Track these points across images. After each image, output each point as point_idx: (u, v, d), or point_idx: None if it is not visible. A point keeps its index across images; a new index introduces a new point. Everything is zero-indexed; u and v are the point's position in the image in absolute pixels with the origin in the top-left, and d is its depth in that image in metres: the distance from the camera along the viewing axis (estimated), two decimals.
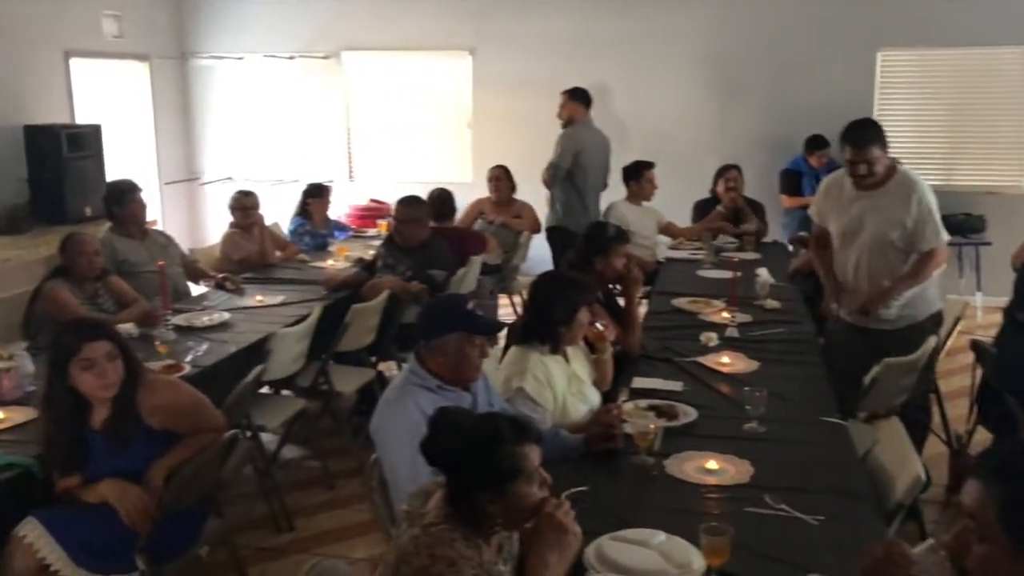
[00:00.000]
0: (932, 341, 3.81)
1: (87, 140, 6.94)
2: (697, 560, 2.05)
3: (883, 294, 3.83)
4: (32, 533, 2.58)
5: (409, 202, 5.03)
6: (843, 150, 3.80)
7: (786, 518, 2.34)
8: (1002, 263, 4.63)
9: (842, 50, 7.55)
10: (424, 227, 5.01)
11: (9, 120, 6.69)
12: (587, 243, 3.92)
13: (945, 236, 3.84)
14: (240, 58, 8.63)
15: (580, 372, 3.18)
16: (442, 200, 5.82)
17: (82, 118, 7.41)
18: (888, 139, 3.83)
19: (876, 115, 7.42)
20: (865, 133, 3.74)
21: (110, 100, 8.04)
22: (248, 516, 3.96)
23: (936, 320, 4.01)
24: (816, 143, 7.12)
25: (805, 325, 4.29)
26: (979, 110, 7.58)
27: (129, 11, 8.02)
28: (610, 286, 4.08)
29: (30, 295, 4.18)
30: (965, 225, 7.20)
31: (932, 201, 3.80)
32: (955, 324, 4.31)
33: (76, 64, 7.47)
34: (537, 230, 6.58)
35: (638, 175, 6.08)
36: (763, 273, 4.74)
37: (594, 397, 3.15)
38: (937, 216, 3.80)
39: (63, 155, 6.64)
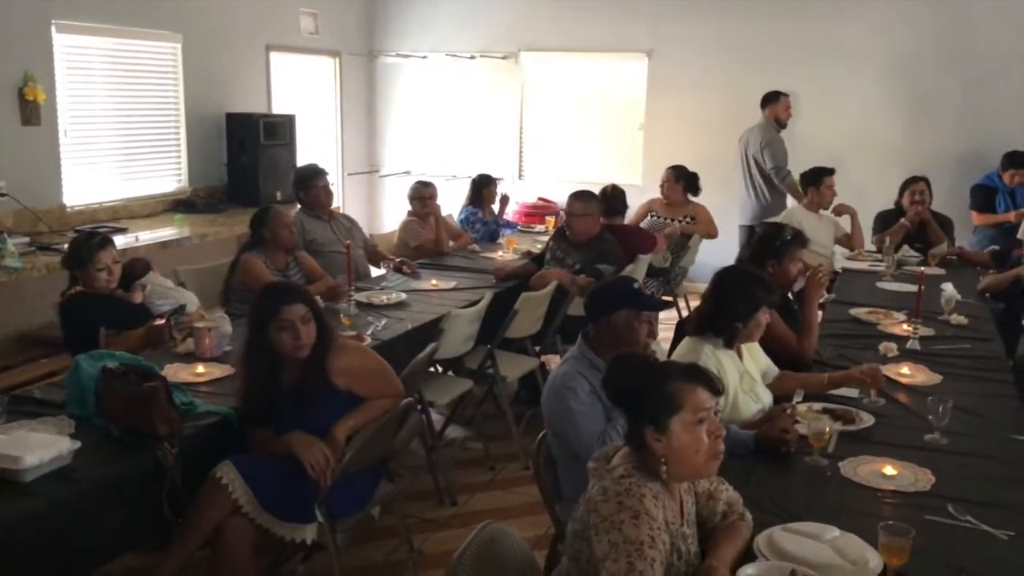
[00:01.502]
0: None
1: (282, 129, 7.41)
2: (874, 558, 1.99)
3: None
4: (228, 475, 2.79)
5: (581, 196, 5.09)
6: None
7: (971, 529, 2.23)
8: None
9: None
10: (595, 221, 5.06)
11: (214, 108, 7.24)
12: (762, 245, 3.84)
13: None
14: (424, 56, 8.97)
15: (753, 371, 3.13)
16: (614, 196, 5.85)
17: (278, 108, 7.91)
18: None
19: None
20: None
21: (303, 93, 8.54)
22: (414, 488, 4.12)
23: None
24: (1015, 160, 6.68)
25: (994, 343, 4.05)
26: None
27: (324, 9, 8.50)
28: (787, 293, 3.98)
29: (228, 266, 4.52)
30: None
31: None
32: None
33: (275, 58, 7.99)
34: (713, 235, 6.49)
35: (817, 182, 5.91)
36: (948, 288, 4.52)
37: (766, 398, 3.09)
38: None
39: (260, 142, 7.11)
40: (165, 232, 6.09)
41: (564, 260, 5.03)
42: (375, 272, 5.32)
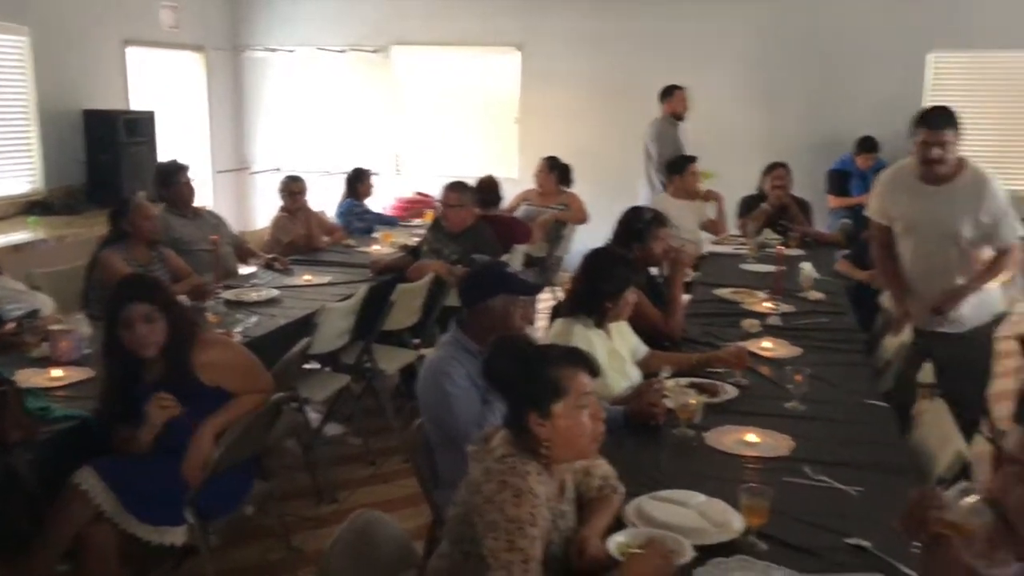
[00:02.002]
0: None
1: (142, 126, 7.13)
2: (736, 520, 2.07)
3: (956, 293, 3.70)
4: (88, 481, 2.66)
5: (456, 187, 5.09)
6: (915, 135, 3.63)
7: (826, 488, 2.36)
8: None
9: (891, 52, 7.51)
10: (470, 212, 5.07)
11: (70, 105, 6.89)
12: (624, 228, 3.94)
13: (1022, 232, 3.70)
14: (292, 51, 8.80)
15: (622, 349, 3.21)
16: (489, 187, 5.88)
17: (141, 105, 7.60)
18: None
19: None
20: (940, 115, 3.61)
21: (168, 89, 8.24)
22: (293, 486, 4.04)
23: (999, 321, 3.91)
24: (866, 145, 7.07)
25: (848, 316, 4.28)
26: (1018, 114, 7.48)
27: (185, 2, 8.22)
28: (652, 272, 4.10)
29: (87, 265, 4.31)
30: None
31: (1004, 196, 3.67)
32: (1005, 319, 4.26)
33: (135, 52, 7.67)
34: (583, 221, 6.62)
35: (681, 169, 6.09)
36: (806, 266, 4.75)
37: (635, 375, 3.18)
38: (1012, 212, 3.66)
39: (120, 140, 6.82)
40: (18, 235, 5.77)
41: (441, 251, 5.03)
42: (245, 270, 5.18)
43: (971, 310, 3.73)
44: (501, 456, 1.94)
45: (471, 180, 5.68)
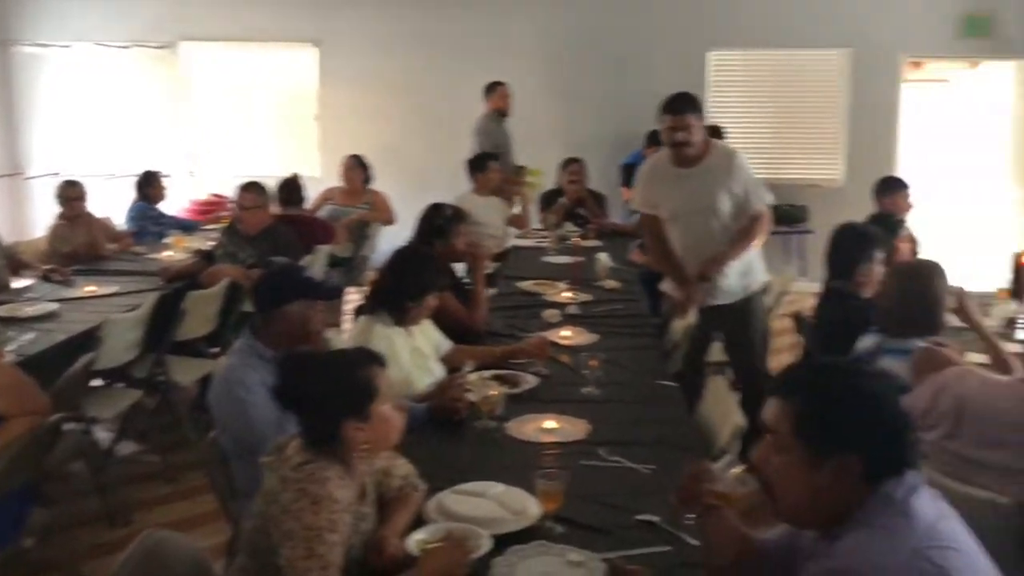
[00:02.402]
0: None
1: None
2: (533, 506, 2.12)
3: (718, 258, 3.90)
4: None
5: (251, 187, 4.92)
6: (662, 122, 3.85)
7: (619, 468, 2.45)
8: (823, 251, 4.97)
9: (674, 50, 7.92)
10: (266, 213, 4.92)
11: None
12: (425, 225, 3.95)
13: (770, 199, 3.97)
14: (68, 46, 8.20)
15: (424, 346, 3.21)
16: (291, 186, 5.73)
17: None
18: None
19: (708, 112, 7.83)
20: (681, 101, 3.82)
21: None
22: (82, 512, 3.77)
23: (765, 290, 4.25)
24: (654, 139, 7.40)
25: (641, 303, 4.49)
26: (802, 109, 8.12)
27: None
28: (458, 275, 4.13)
29: None
30: (790, 216, 7.69)
31: (750, 168, 3.96)
32: (780, 298, 4.60)
33: None
34: (390, 221, 6.57)
35: (483, 166, 6.17)
36: (603, 257, 4.95)
37: (438, 371, 3.18)
38: (759, 181, 3.96)
39: None
40: None
41: (237, 255, 4.84)
42: (19, 283, 4.78)
43: (738, 279, 3.97)
44: (298, 464, 1.90)
45: (271, 180, 5.51)
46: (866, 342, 3.12)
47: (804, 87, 8.09)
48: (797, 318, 4.31)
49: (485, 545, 1.93)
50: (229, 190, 7.60)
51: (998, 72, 8.12)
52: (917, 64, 8.81)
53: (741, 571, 1.75)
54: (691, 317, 4.05)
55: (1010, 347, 3.41)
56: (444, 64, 8.01)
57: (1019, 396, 2.19)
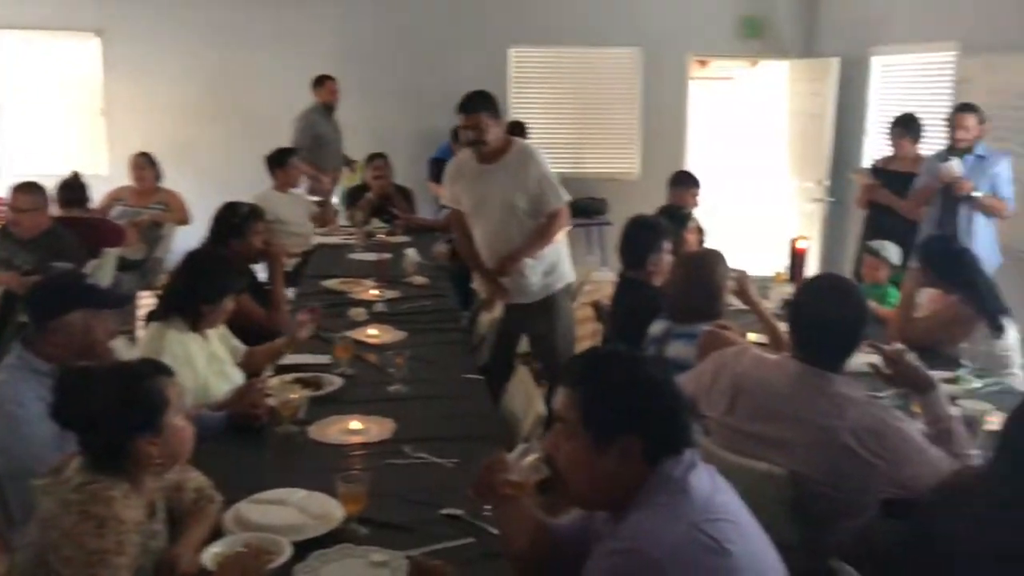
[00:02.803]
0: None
1: None
2: (336, 510, 2.09)
3: (513, 255, 3.98)
4: None
5: (26, 188, 4.55)
6: (458, 120, 3.95)
7: (424, 465, 2.47)
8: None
9: (476, 46, 8.02)
10: (43, 215, 4.57)
11: None
12: (220, 225, 3.82)
13: (567, 197, 4.04)
14: None
15: (220, 351, 3.10)
16: (70, 186, 5.34)
17: None
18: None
19: (510, 107, 8.01)
20: (473, 100, 3.89)
21: None
22: None
23: (571, 290, 4.33)
24: (455, 134, 7.47)
25: (450, 298, 4.52)
26: (600, 105, 8.43)
27: None
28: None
29: None
30: (590, 208, 7.99)
31: (548, 167, 4.00)
32: (580, 288, 4.77)
33: None
34: (185, 221, 6.26)
35: (283, 162, 5.99)
36: (411, 253, 4.95)
37: (237, 376, 3.08)
38: (555, 180, 4.00)
39: None
40: None
41: (11, 261, 4.47)
42: None
43: (541, 278, 4.05)
44: (80, 484, 1.79)
45: (53, 179, 5.12)
46: (656, 328, 3.30)
47: (602, 84, 8.41)
48: (596, 307, 4.50)
49: (285, 552, 1.89)
50: (3, 190, 7.05)
51: (774, 71, 8.76)
52: (703, 63, 9.37)
53: (538, 557, 1.80)
54: (497, 311, 4.12)
55: (785, 327, 3.68)
56: (243, 57, 7.73)
57: (787, 372, 2.37)
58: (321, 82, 7.18)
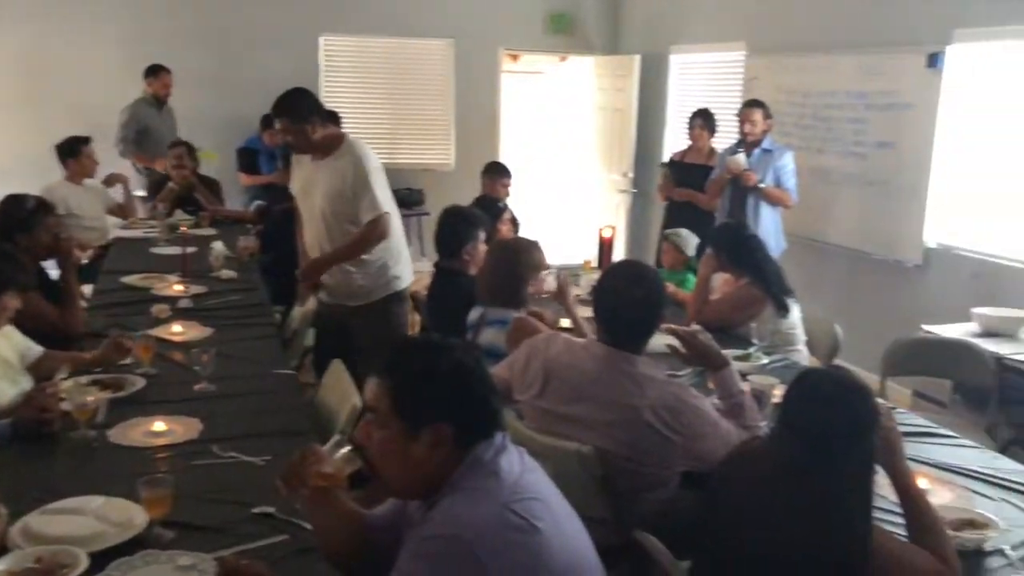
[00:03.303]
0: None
1: None
2: (139, 515, 1.99)
3: (317, 262, 3.89)
4: None
5: None
6: None
7: (234, 463, 2.39)
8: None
9: (286, 33, 7.81)
10: None
11: None
12: (6, 218, 3.54)
13: (384, 209, 3.79)
14: None
15: (8, 354, 2.88)
16: None
17: None
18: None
19: (323, 96, 7.84)
20: (277, 106, 3.80)
21: None
22: None
23: (402, 296, 4.10)
24: (268, 122, 7.25)
25: (259, 291, 4.38)
26: (415, 95, 8.43)
27: None
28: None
29: None
30: (408, 199, 7.98)
31: (371, 172, 3.77)
32: None
33: None
34: None
35: (75, 152, 5.62)
36: (217, 246, 4.76)
37: (25, 382, 2.86)
38: (377, 189, 3.78)
39: None
40: None
41: None
42: None
43: (371, 281, 3.96)
44: None
45: None
46: (474, 314, 3.35)
47: (416, 75, 8.40)
48: (414, 298, 4.49)
49: (81, 564, 1.79)
50: None
51: (581, 66, 9.06)
52: (515, 56, 9.56)
53: (354, 549, 1.80)
54: (310, 304, 4.05)
55: (589, 312, 3.83)
56: (31, 44, 7.16)
57: (594, 355, 2.48)
58: (155, 73, 6.88)
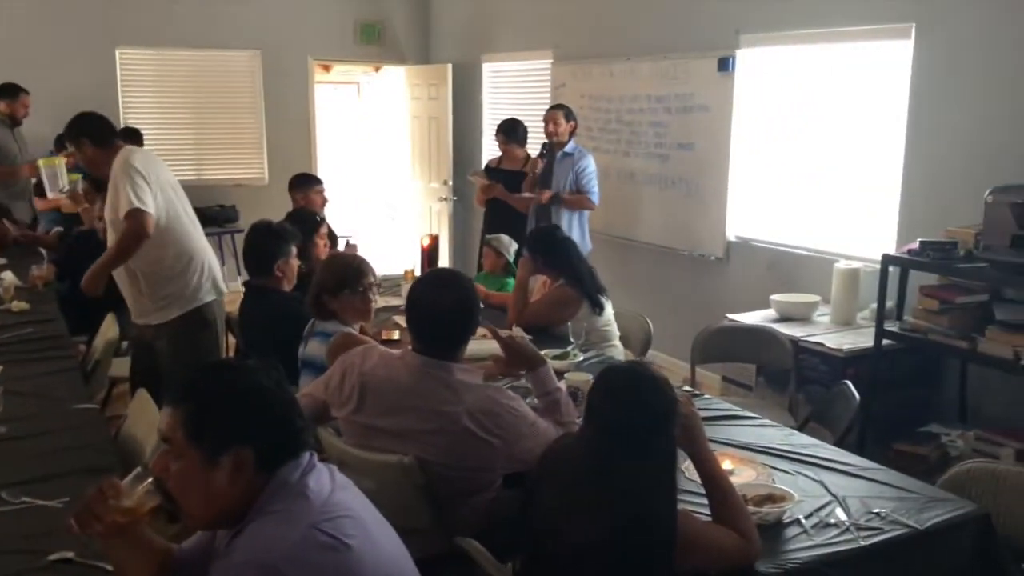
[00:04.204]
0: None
1: None
2: None
3: (92, 271, 3.74)
4: None
5: None
6: None
7: (28, 509, 2.22)
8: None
9: (81, 46, 7.37)
10: None
11: None
12: None
13: (137, 204, 3.58)
14: None
15: None
16: None
17: None
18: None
19: (122, 111, 7.49)
20: (71, 127, 3.79)
21: None
22: None
23: (201, 315, 3.94)
24: (62, 141, 6.79)
25: (57, 323, 4.09)
26: (221, 109, 8.13)
27: None
28: None
29: None
30: (220, 216, 7.71)
31: (130, 171, 3.63)
32: None
33: None
34: None
35: None
36: (8, 276, 4.43)
37: None
38: (135, 185, 3.60)
39: None
40: None
41: None
42: None
43: (152, 296, 3.83)
44: None
45: None
46: (308, 327, 3.27)
47: (223, 87, 8.12)
48: (228, 320, 4.33)
49: None
50: None
51: (396, 75, 9.04)
52: (326, 67, 9.42)
53: None
54: (111, 332, 3.83)
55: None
56: None
57: (410, 365, 2.46)
58: (14, 94, 6.35)
